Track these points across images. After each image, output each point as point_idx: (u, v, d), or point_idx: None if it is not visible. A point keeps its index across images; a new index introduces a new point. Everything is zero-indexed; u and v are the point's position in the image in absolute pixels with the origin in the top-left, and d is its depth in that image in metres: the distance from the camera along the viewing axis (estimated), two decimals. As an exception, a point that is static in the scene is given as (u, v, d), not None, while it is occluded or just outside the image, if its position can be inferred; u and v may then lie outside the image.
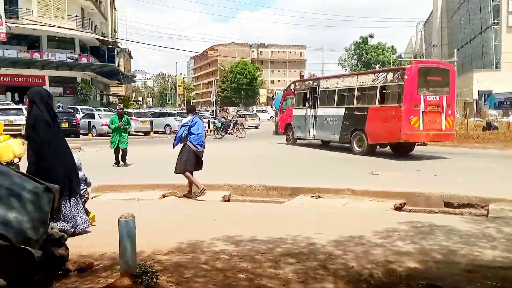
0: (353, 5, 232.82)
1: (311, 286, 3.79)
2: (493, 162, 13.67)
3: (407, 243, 5.07)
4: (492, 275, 4.10)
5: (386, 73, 15.80)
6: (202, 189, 8.38)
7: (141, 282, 3.58)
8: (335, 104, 17.78)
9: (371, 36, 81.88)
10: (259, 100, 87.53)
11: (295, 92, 21.00)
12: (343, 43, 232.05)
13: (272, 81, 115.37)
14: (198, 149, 8.51)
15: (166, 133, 29.61)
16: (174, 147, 8.74)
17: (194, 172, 8.66)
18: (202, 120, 8.97)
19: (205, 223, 6.27)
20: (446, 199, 8.14)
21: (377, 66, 78.28)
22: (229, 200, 8.85)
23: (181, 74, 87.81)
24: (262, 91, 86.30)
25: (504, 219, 6.51)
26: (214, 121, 30.71)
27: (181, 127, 8.69)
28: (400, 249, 4.84)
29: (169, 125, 30.10)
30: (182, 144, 8.62)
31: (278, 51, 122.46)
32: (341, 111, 17.20)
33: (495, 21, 49.90)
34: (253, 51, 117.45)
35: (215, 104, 67.08)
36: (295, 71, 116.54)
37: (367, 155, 15.42)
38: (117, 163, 12.88)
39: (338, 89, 17.92)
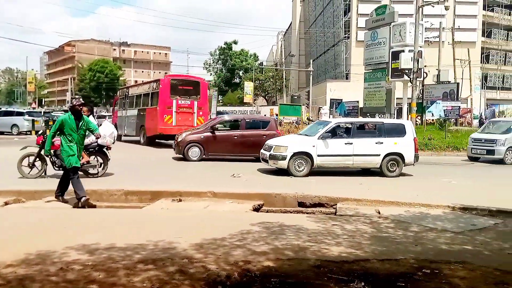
0: (217, 9, 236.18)
1: (167, 292, 3.73)
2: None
3: (261, 244, 5.30)
4: (338, 269, 4.49)
5: (154, 83, 20.98)
6: None
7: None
8: (134, 107, 22.61)
9: (235, 42, 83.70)
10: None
11: (119, 97, 25.91)
12: (209, 47, 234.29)
13: (136, 82, 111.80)
14: None
15: (13, 134, 27.18)
16: None
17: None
18: None
19: (56, 231, 5.81)
20: (300, 199, 8.74)
21: (240, 72, 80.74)
22: (83, 207, 8.25)
23: (32, 69, 79.88)
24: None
25: (345, 217, 7.20)
26: None
27: None
28: (256, 249, 5.04)
29: (16, 125, 27.44)
30: None
31: (142, 51, 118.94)
32: (136, 112, 21.98)
33: (346, 35, 54.86)
34: (114, 49, 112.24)
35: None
36: (159, 72, 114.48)
37: (148, 145, 20.01)
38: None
39: (135, 95, 23.01)
